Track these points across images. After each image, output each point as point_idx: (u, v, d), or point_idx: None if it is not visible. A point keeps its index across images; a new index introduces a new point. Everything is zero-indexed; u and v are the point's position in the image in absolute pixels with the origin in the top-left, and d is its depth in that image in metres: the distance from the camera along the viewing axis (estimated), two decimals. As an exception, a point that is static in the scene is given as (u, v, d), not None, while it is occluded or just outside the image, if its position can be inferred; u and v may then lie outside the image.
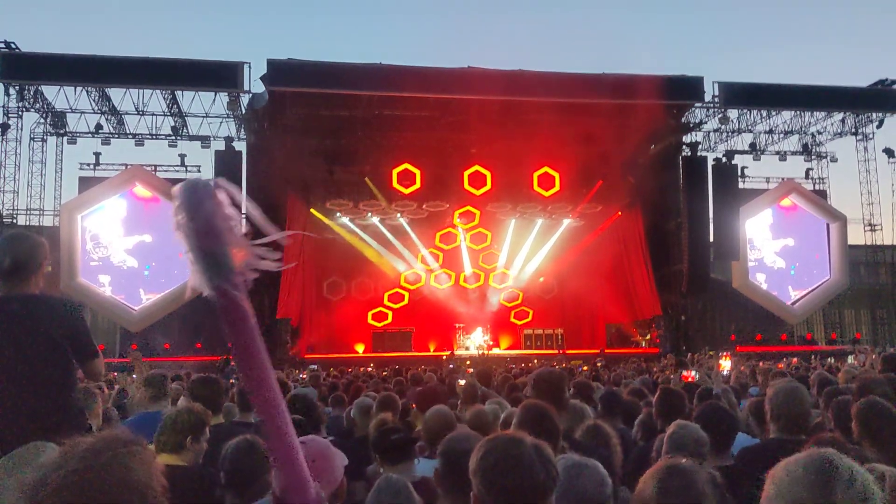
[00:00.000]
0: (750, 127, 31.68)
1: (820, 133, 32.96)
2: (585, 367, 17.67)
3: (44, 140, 29.02)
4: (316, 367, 17.19)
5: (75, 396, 3.57)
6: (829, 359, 23.01)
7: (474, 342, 30.43)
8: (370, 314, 32.22)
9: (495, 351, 30.03)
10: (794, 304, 31.93)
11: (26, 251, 3.43)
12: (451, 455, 2.94)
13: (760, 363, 15.54)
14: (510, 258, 33.30)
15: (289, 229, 27.89)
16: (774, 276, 32.04)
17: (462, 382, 7.90)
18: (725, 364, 8.12)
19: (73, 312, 3.54)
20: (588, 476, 2.63)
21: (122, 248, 27.93)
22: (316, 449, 2.46)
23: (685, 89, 28.64)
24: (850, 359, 22.14)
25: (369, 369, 20.07)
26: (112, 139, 28.97)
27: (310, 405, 5.02)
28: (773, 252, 32.27)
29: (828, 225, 32.56)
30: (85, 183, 28.28)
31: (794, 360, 19.15)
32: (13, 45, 25.99)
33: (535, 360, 24.38)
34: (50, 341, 3.36)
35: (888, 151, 31.86)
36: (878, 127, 31.91)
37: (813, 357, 23.18)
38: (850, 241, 33.00)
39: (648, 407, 5.45)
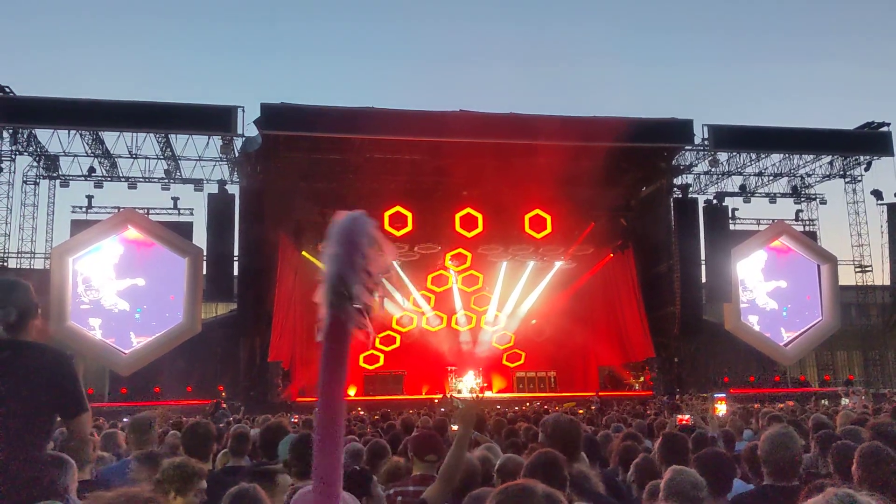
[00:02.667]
0: (740, 169, 31.95)
1: (809, 175, 33.29)
2: (581, 411, 17.54)
3: (36, 183, 29.06)
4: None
5: (46, 453, 3.44)
6: (822, 401, 22.96)
7: (466, 385, 30.25)
8: (361, 357, 31.99)
9: (488, 394, 29.84)
10: (786, 345, 31.88)
11: (24, 300, 3.39)
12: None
13: (756, 406, 15.47)
14: (502, 300, 33.23)
15: (280, 272, 27.90)
16: (767, 318, 32.02)
17: (455, 427, 7.81)
18: (721, 408, 8.05)
19: (63, 364, 3.39)
20: None
21: (113, 290, 27.76)
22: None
23: (675, 132, 28.94)
24: (844, 400, 22.12)
25: (360, 412, 19.89)
26: (105, 182, 29.03)
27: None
28: (766, 293, 32.31)
29: (818, 266, 32.68)
30: (77, 226, 28.21)
31: (791, 402, 19.07)
32: (7, 89, 26.17)
33: (528, 403, 24.25)
34: (32, 393, 3.24)
35: (876, 193, 32.15)
36: (866, 170, 32.24)
37: (813, 399, 23.12)
38: (841, 283, 33.10)
39: (645, 451, 5.40)
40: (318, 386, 1.79)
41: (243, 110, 26.67)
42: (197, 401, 25.52)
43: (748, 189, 32.63)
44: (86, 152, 28.02)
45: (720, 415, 7.91)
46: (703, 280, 30.22)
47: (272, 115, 26.05)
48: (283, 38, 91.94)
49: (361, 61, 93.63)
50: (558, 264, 32.68)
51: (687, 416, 8.09)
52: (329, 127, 26.75)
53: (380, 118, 26.72)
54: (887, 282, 33.00)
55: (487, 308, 33.37)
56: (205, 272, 27.52)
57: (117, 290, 27.80)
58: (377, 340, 32.32)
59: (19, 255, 28.64)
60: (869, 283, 34.21)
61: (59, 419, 3.44)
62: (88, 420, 3.54)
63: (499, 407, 22.27)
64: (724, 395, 9.25)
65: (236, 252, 27.50)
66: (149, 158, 28.52)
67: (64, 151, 27.96)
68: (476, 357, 32.31)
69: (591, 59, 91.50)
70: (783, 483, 4.14)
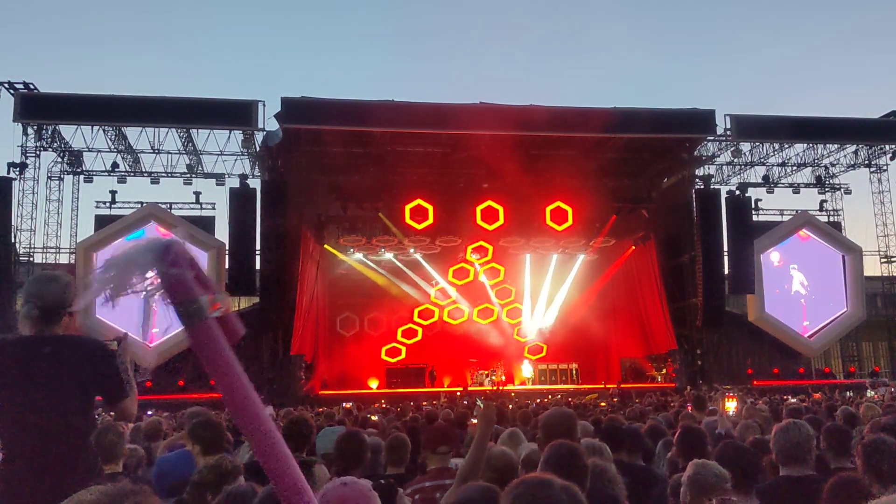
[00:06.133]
0: (763, 160, 31.68)
1: (833, 165, 32.92)
2: (602, 403, 17.47)
3: (60, 179, 29.35)
4: (351, 404, 17.21)
5: (91, 442, 3.56)
6: (847, 392, 22.75)
7: (488, 377, 30.23)
8: (384, 350, 32.12)
9: (509, 386, 29.80)
10: (811, 336, 31.60)
11: (56, 295, 3.44)
12: None
13: (786, 398, 15.32)
14: (534, 295, 33.14)
15: (302, 266, 28.03)
16: (791, 309, 31.68)
17: (475, 421, 7.80)
18: (730, 405, 7.86)
19: (101, 353, 3.51)
20: None
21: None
22: (357, 491, 2.44)
23: (697, 123, 28.68)
24: (870, 392, 21.91)
25: (383, 405, 19.97)
26: (128, 177, 29.29)
27: (359, 443, 4.96)
28: (794, 284, 31.93)
29: (843, 257, 32.32)
30: (101, 221, 28.50)
31: (817, 394, 18.89)
32: (31, 86, 26.43)
33: (550, 396, 24.20)
34: (77, 385, 3.36)
35: (902, 183, 31.75)
36: (892, 159, 31.85)
37: (836, 391, 22.92)
38: (867, 273, 32.74)
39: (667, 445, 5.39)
40: (232, 413, 1.79)
41: (264, 105, 26.85)
42: (221, 394, 25.74)
43: (771, 179, 32.33)
44: (109, 148, 28.33)
45: (730, 413, 7.71)
46: (726, 271, 29.99)
47: (293, 110, 26.11)
48: (303, 32, 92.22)
49: (381, 55, 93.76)
50: (581, 257, 32.57)
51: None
52: (349, 120, 26.77)
53: (400, 111, 26.72)
54: (913, 272, 32.62)
55: (509, 300, 33.31)
56: (227, 266, 27.68)
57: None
58: (399, 333, 32.45)
59: (45, 251, 28.94)
60: (895, 274, 33.82)
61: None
62: (133, 402, 3.61)
63: (516, 399, 22.28)
64: (733, 392, 8.86)
65: (258, 246, 27.63)
66: (171, 153, 28.81)
67: (87, 147, 28.27)
68: (498, 349, 32.22)
69: (611, 48, 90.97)
70: (798, 473, 4.16)
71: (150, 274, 1.77)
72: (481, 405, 4.38)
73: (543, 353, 33.12)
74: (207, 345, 1.78)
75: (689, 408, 10.63)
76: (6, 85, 26.03)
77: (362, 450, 4.87)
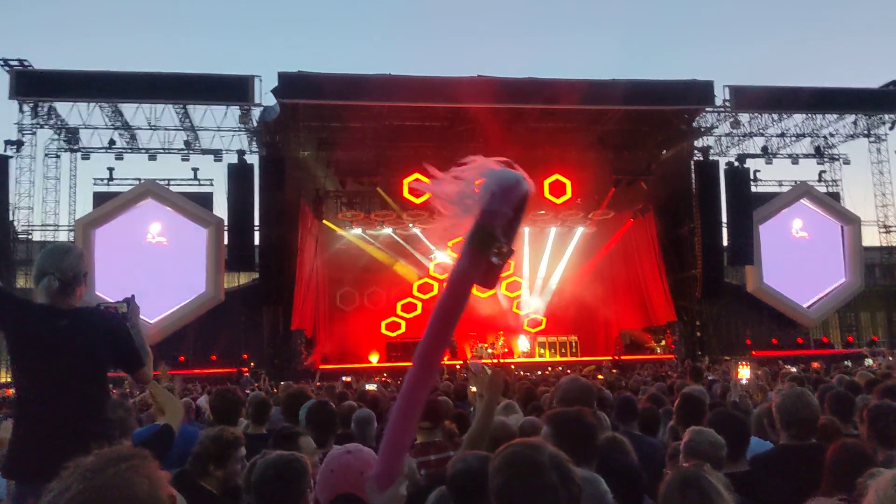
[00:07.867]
0: (761, 130, 31.52)
1: (832, 135, 32.78)
2: (600, 376, 17.53)
3: (58, 156, 29.22)
4: (350, 378, 17.26)
5: (108, 409, 3.64)
6: (846, 362, 22.87)
7: (488, 350, 30.29)
8: (383, 324, 32.18)
9: (509, 360, 29.86)
10: (809, 307, 31.70)
11: (72, 267, 3.48)
12: (459, 480, 2.92)
13: (787, 367, 15.40)
14: (523, 266, 33.10)
15: (301, 241, 28.00)
16: (789, 280, 31.71)
17: (474, 389, 7.82)
18: (744, 372, 7.89)
19: (116, 325, 3.59)
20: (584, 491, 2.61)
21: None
22: (361, 459, 2.46)
23: (696, 94, 28.51)
24: (869, 361, 22.03)
25: (384, 378, 20.10)
26: (125, 154, 29.14)
27: (328, 413, 5.01)
28: (791, 254, 31.93)
29: (842, 227, 32.33)
30: (99, 198, 28.42)
31: (816, 364, 18.98)
32: (26, 63, 26.26)
33: (550, 368, 24.28)
34: (92, 358, 3.42)
35: (901, 152, 31.66)
36: (892, 128, 31.71)
37: (827, 360, 23.04)
38: (865, 244, 32.76)
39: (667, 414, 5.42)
40: (421, 343, 1.78)
41: (260, 80, 26.72)
42: (222, 369, 25.90)
43: (770, 150, 32.19)
44: (105, 124, 28.18)
45: (743, 380, 7.73)
46: (725, 243, 29.99)
47: (289, 84, 25.96)
48: (299, 7, 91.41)
49: (378, 30, 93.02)
50: (580, 230, 32.51)
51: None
52: (346, 95, 26.61)
53: (397, 85, 26.56)
54: (912, 242, 32.65)
55: (508, 273, 33.24)
56: (226, 242, 27.67)
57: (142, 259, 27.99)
58: (399, 307, 32.49)
59: (43, 228, 28.92)
60: (893, 244, 33.82)
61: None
62: (150, 367, 3.71)
63: (517, 370, 22.35)
64: (748, 360, 8.97)
65: (257, 222, 27.58)
66: (168, 130, 28.65)
67: (84, 124, 28.12)
68: (497, 322, 32.26)
69: (609, 20, 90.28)
70: (800, 442, 4.17)
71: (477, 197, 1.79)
72: (489, 371, 4.38)
73: (542, 326, 33.15)
74: (464, 281, 1.79)
75: (687, 379, 10.71)
76: (0, 62, 25.86)
77: (331, 419, 4.95)
